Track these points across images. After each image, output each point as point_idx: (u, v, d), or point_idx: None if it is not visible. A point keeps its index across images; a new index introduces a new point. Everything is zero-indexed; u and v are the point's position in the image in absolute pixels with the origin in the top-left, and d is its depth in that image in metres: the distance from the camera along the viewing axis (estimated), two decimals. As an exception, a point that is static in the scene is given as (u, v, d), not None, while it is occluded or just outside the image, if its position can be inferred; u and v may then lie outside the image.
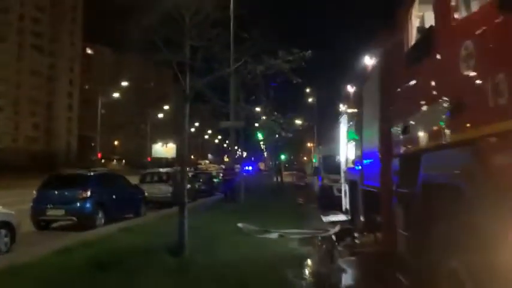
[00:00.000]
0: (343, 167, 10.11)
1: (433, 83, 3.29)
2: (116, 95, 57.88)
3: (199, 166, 60.33)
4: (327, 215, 9.62)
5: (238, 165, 21.65)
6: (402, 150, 4.20)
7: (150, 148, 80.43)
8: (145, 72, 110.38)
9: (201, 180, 23.81)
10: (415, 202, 3.58)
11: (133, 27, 7.05)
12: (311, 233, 9.91)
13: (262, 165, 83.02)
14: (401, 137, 4.17)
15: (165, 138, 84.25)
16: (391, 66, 4.95)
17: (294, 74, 7.44)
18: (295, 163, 79.23)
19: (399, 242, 4.69)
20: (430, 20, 4.20)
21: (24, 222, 9.61)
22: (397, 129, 4.38)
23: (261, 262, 6.80)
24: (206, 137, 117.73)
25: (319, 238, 8.98)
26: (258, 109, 7.84)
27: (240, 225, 10.23)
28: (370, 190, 6.18)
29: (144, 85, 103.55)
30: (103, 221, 11.56)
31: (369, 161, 6.25)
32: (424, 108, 3.47)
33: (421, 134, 3.55)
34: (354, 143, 7.58)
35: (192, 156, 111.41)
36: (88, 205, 11.11)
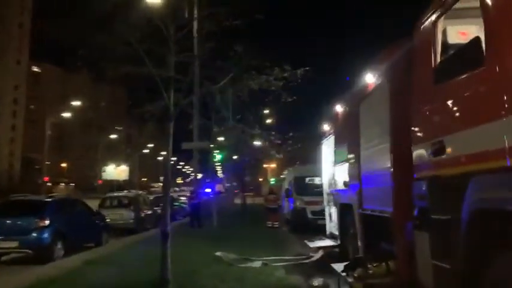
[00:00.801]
0: (326, 189, 9.77)
1: (488, 97, 2.97)
2: (66, 114, 55.05)
3: (152, 189, 58.34)
4: (312, 240, 9.17)
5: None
6: (433, 172, 3.86)
7: (101, 170, 77.09)
8: (96, 92, 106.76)
9: (161, 204, 22.65)
10: (463, 229, 3.21)
11: (109, 40, 6.43)
12: (294, 260, 9.41)
13: (220, 187, 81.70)
14: (431, 158, 3.83)
15: (117, 160, 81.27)
16: (405, 83, 4.68)
17: (286, 92, 7.00)
18: (251, 186, 79.03)
19: (422, 271, 4.33)
20: (453, 34, 4.01)
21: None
22: (423, 151, 4.05)
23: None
24: (159, 158, 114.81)
25: (308, 265, 8.51)
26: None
27: (218, 253, 9.54)
28: (373, 215, 5.81)
29: (95, 105, 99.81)
30: (62, 252, 10.41)
31: (371, 183, 5.91)
32: (474, 126, 3.15)
33: (471, 154, 3.22)
34: (347, 164, 7.25)
35: (144, 179, 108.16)
36: (46, 235, 9.96)
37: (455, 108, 3.51)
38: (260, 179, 78.34)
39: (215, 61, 6.62)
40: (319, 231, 14.78)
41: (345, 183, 7.60)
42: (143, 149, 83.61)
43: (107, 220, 13.67)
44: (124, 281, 6.89)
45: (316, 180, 17.26)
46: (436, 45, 3.96)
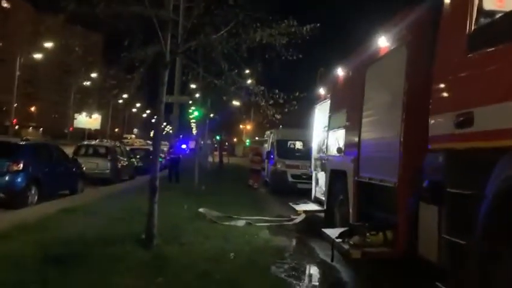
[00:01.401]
0: (314, 154, 9.63)
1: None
2: (37, 56, 52.26)
3: (125, 141, 57.40)
4: (297, 203, 9.11)
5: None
6: (454, 145, 3.68)
7: (73, 118, 74.94)
8: (70, 35, 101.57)
9: (138, 156, 22.20)
10: (487, 206, 3.08)
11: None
12: (277, 221, 9.38)
13: (193, 144, 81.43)
14: (454, 130, 3.64)
15: (89, 108, 79.00)
16: (426, 49, 4.42)
17: (288, 50, 6.60)
18: (226, 144, 78.71)
19: (424, 244, 4.26)
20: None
21: None
22: (444, 121, 3.85)
23: (242, 255, 6.09)
24: (134, 110, 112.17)
25: (291, 227, 8.50)
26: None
27: (201, 210, 9.38)
28: (370, 183, 5.69)
29: (68, 49, 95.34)
30: (36, 198, 9.99)
31: (373, 152, 5.74)
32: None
33: (504, 129, 3.02)
34: (343, 130, 7.05)
35: (117, 130, 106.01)
36: (20, 179, 9.47)
37: (491, 79, 3.28)
38: (234, 139, 78.11)
39: (219, 7, 6.10)
40: (299, 194, 14.91)
41: (338, 150, 7.44)
42: (118, 99, 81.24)
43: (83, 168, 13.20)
44: (105, 233, 6.62)
45: (298, 145, 17.22)
46: (472, 10, 3.67)
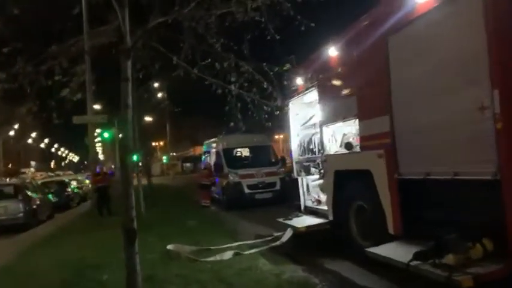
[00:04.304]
0: (295, 156, 8.17)
1: None
2: None
3: (23, 176, 50.74)
4: (289, 218, 7.54)
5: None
6: None
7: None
8: None
9: (52, 190, 18.79)
10: None
11: None
12: (263, 243, 7.75)
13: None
14: None
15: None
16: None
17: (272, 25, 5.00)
18: (139, 164, 73.54)
19: None
20: None
21: None
22: None
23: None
24: (30, 141, 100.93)
25: (285, 248, 6.91)
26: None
27: (170, 247, 7.37)
28: (426, 180, 4.40)
29: None
30: None
31: (429, 139, 4.43)
32: None
33: None
34: (356, 120, 5.73)
35: (10, 165, 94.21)
36: None
37: None
38: (147, 158, 74.37)
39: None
40: (258, 206, 13.39)
41: (347, 146, 6.09)
42: (8, 131, 72.07)
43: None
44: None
45: (247, 152, 15.70)
46: None
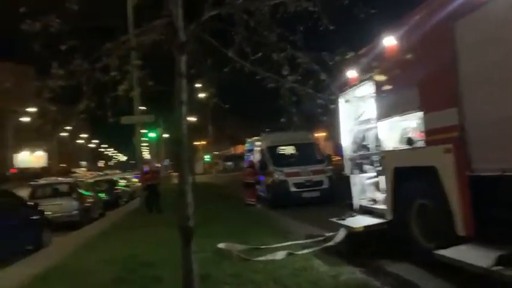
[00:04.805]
0: (347, 153, 7.83)
1: None
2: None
3: (74, 175, 53.18)
4: (342, 218, 7.24)
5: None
6: None
7: (12, 158, 68.77)
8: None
9: (102, 189, 19.40)
10: None
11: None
12: (314, 243, 7.50)
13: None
14: None
15: (31, 145, 72.90)
16: None
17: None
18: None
19: None
20: None
21: None
22: None
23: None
24: (81, 141, 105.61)
25: (339, 248, 6.63)
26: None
27: (221, 245, 7.28)
28: (503, 176, 3.98)
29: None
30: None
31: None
32: None
33: None
34: (419, 113, 5.35)
35: (63, 165, 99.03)
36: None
37: None
38: (191, 157, 75.88)
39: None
40: (305, 205, 13.11)
41: (408, 141, 5.71)
42: (60, 131, 75.78)
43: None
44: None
45: (292, 150, 15.46)
46: None
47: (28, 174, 58.33)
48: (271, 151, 14.65)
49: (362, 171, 7.37)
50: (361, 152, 7.42)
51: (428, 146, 5.20)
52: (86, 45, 4.10)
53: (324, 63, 4.77)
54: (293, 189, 13.35)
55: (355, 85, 7.27)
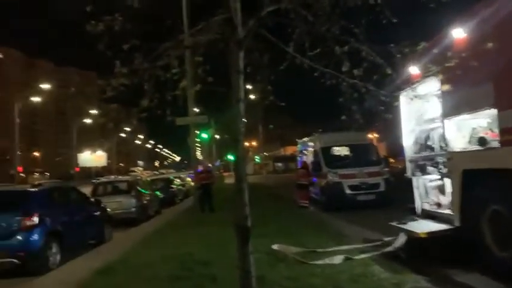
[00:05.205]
0: (409, 154, 7.43)
1: None
2: (35, 99, 50.88)
3: (133, 174, 55.52)
4: (403, 222, 6.87)
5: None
6: None
7: (76, 158, 73.20)
8: (64, 77, 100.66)
9: (158, 187, 19.98)
10: None
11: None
12: (373, 248, 7.18)
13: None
14: None
15: (92, 145, 77.19)
16: None
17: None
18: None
19: None
20: None
21: None
22: None
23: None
24: (138, 142, 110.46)
25: (399, 254, 6.28)
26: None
27: (275, 247, 7.18)
28: None
29: (64, 90, 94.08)
30: (58, 258, 7.80)
31: None
32: None
33: None
34: (496, 111, 4.91)
35: (121, 164, 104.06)
36: (36, 237, 7.31)
37: None
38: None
39: None
40: (359, 209, 12.67)
41: (480, 141, 5.28)
42: (120, 133, 79.73)
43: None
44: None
45: (344, 150, 15.05)
46: None
47: (90, 173, 61.83)
48: (324, 152, 14.30)
49: (425, 173, 6.95)
50: (424, 153, 6.99)
51: (504, 147, 4.77)
52: (146, 45, 4.15)
53: (388, 58, 4.52)
54: (348, 191, 12.94)
55: (417, 82, 6.86)
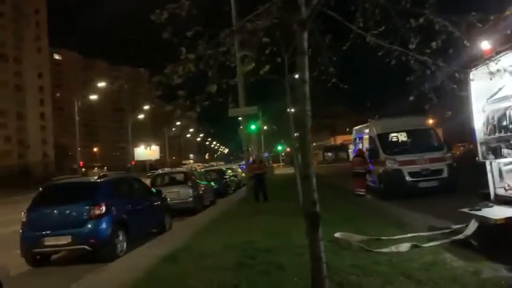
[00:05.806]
0: (480, 136, 6.95)
1: None
2: (93, 97, 53.64)
3: (186, 166, 56.97)
4: (476, 208, 6.47)
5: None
6: None
7: (132, 152, 76.32)
8: (118, 75, 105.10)
9: (212, 178, 20.32)
10: None
11: None
12: (441, 236, 6.83)
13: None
14: None
15: (146, 140, 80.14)
16: None
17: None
18: (283, 154, 75.64)
19: None
20: None
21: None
22: None
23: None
24: (188, 136, 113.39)
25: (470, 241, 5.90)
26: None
27: (338, 235, 7.02)
28: None
29: (118, 88, 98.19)
30: (125, 245, 8.13)
31: None
32: None
33: None
34: None
35: (174, 158, 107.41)
36: (104, 225, 7.66)
37: None
38: (287, 149, 76.19)
39: None
40: (419, 196, 12.14)
41: None
42: (172, 128, 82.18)
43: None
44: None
45: (403, 136, 14.46)
46: None
47: (144, 166, 64.25)
48: (382, 138, 13.76)
49: (499, 156, 6.46)
50: (499, 134, 6.49)
51: None
52: (209, 31, 4.12)
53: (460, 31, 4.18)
54: (408, 178, 12.39)
55: (489, 58, 6.36)
